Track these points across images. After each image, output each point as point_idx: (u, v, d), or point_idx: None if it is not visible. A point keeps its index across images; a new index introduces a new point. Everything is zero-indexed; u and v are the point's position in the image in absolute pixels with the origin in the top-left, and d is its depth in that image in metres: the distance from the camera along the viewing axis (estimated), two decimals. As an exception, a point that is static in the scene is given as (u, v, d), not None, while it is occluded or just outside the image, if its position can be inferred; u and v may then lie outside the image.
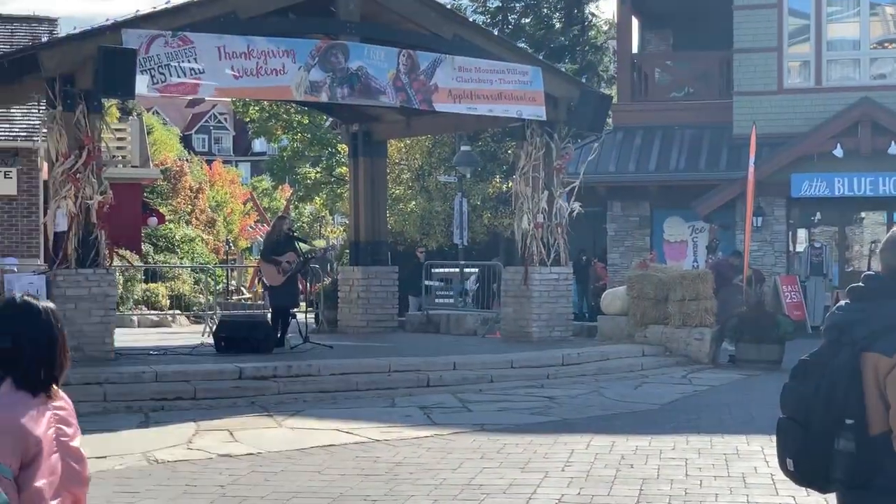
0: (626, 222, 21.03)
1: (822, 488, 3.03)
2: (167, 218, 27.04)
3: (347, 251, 18.52)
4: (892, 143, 18.54)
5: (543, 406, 10.44)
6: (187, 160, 36.62)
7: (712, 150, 20.38)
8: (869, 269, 12.77)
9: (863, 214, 20.39)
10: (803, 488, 3.21)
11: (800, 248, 20.18)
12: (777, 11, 19.68)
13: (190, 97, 14.81)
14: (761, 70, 19.76)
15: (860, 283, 3.02)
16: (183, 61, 11.60)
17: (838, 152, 18.79)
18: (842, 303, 3.04)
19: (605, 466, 7.58)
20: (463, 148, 21.47)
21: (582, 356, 13.03)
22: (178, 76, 11.63)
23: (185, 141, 61.91)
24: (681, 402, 10.91)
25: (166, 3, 12.11)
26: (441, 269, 20.37)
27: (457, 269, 20.30)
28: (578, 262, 19.86)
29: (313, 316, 16.72)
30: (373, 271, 16.27)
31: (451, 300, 19.84)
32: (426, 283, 19.65)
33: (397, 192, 27.15)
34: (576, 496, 6.72)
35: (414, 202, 27.02)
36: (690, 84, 22.58)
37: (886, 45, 20.03)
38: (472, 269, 20.93)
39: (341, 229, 40.26)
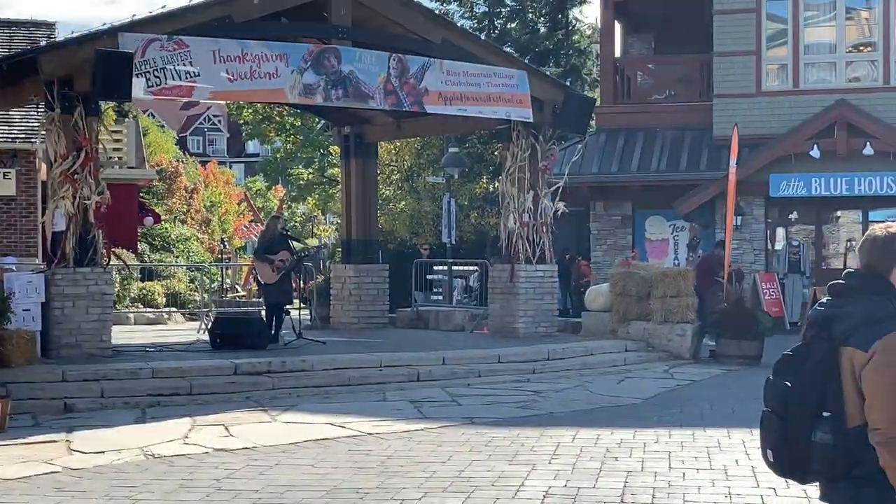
0: (609, 221, 20.99)
1: (802, 479, 3.08)
2: (163, 218, 26.97)
3: (339, 250, 18.69)
4: (867, 144, 18.57)
5: (530, 400, 10.51)
6: (182, 161, 36.67)
7: (693, 151, 20.34)
8: (845, 266, 13.12)
9: (839, 213, 20.39)
10: (784, 479, 3.22)
11: (778, 246, 20.17)
12: (755, 16, 19.67)
13: (185, 100, 14.90)
14: (740, 73, 19.73)
15: (840, 281, 3.10)
16: (178, 65, 11.60)
17: (815, 153, 18.81)
18: (823, 300, 3.11)
19: (591, 459, 7.63)
20: (451, 150, 21.54)
21: (567, 351, 13.15)
22: (174, 79, 11.62)
23: (181, 143, 61.74)
24: (663, 397, 10.99)
25: (162, 7, 12.18)
26: (442, 267, 20.69)
27: (447, 268, 20.61)
28: (563, 260, 19.85)
29: (307, 313, 16.92)
30: (364, 269, 16.37)
31: (441, 297, 20.13)
32: (428, 277, 19.95)
33: (387, 192, 27.23)
34: (562, 488, 6.72)
35: (404, 202, 27.08)
36: (671, 87, 22.47)
37: (861, 48, 20.03)
38: (464, 268, 21.20)
39: (333, 228, 40.35)
